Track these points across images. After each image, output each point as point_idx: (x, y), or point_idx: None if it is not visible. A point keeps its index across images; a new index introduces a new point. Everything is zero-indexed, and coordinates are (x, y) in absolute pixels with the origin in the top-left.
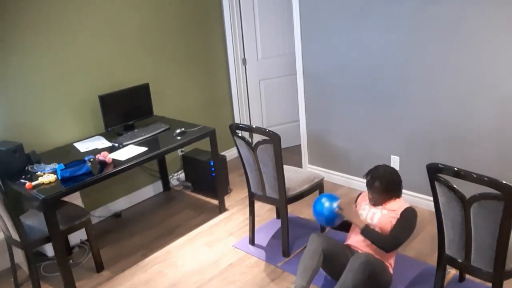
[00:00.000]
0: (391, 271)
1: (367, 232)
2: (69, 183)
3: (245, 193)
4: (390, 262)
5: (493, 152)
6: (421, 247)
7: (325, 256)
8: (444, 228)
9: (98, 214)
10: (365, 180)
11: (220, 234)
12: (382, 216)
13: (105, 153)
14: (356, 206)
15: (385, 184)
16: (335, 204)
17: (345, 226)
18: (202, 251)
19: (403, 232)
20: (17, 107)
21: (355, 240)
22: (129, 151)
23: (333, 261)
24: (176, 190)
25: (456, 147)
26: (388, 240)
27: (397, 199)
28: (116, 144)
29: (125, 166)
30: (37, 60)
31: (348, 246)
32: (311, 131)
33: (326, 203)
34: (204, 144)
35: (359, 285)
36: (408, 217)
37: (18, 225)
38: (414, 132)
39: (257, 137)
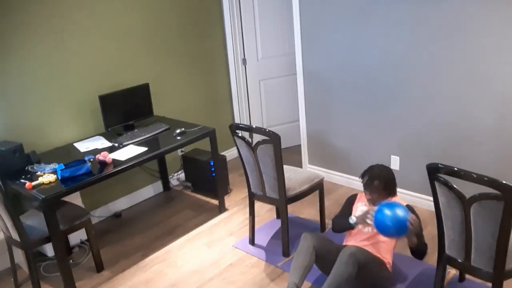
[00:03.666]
0: (389, 267)
1: (420, 245)
2: (69, 183)
3: (245, 193)
4: (388, 259)
5: (493, 152)
6: None
7: (318, 254)
8: (444, 228)
9: (98, 214)
10: None
11: (220, 234)
12: None
13: (105, 153)
14: (351, 208)
15: (384, 182)
16: (408, 216)
17: (345, 228)
18: (202, 251)
19: (422, 234)
20: (17, 107)
21: (354, 242)
22: (129, 151)
23: (326, 259)
24: (176, 190)
25: (456, 147)
26: (425, 250)
27: (394, 198)
28: (116, 144)
29: (125, 166)
30: (37, 60)
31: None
32: (311, 131)
33: (401, 212)
34: (204, 144)
35: (350, 278)
36: (417, 216)
37: (18, 225)
38: (414, 132)
39: (257, 137)
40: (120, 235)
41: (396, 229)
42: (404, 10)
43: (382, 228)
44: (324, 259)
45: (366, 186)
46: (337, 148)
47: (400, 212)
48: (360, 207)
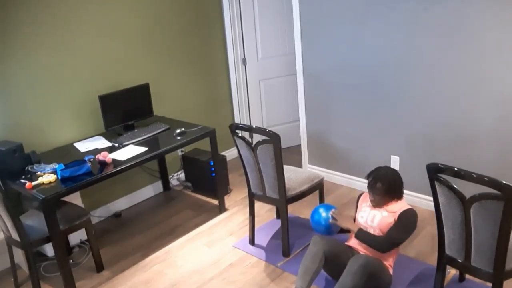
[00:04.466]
0: (390, 271)
1: (361, 235)
2: (69, 183)
3: (245, 193)
4: (390, 263)
5: (493, 152)
6: (421, 247)
7: (327, 258)
8: (444, 228)
9: (98, 214)
10: (365, 180)
11: (220, 234)
12: (382, 218)
13: (105, 153)
14: (357, 208)
15: (386, 185)
16: (329, 214)
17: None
18: (202, 251)
19: (399, 233)
20: (17, 107)
21: (356, 241)
22: (129, 151)
23: (335, 263)
24: (176, 190)
25: (456, 147)
26: (383, 241)
27: (399, 201)
28: (116, 144)
29: (125, 166)
30: (37, 60)
31: (349, 247)
32: (311, 131)
33: (323, 214)
34: (204, 144)
35: (358, 287)
36: (406, 218)
37: (18, 225)
38: (414, 132)
39: (257, 137)
40: (120, 235)
41: (322, 226)
42: (404, 10)
43: (317, 230)
44: (332, 264)
45: (369, 187)
46: (337, 148)
47: (318, 215)
48: (364, 208)
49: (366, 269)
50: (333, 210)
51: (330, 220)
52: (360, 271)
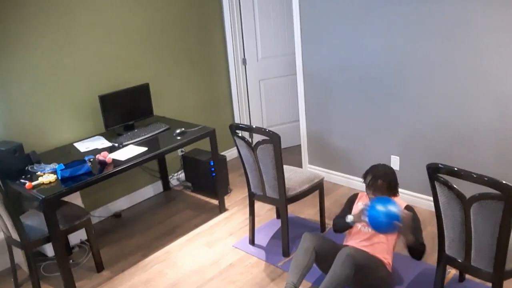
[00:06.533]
0: (388, 267)
1: (415, 245)
2: (69, 183)
3: (245, 193)
4: (388, 260)
5: (493, 152)
6: None
7: (318, 254)
8: (444, 228)
9: (98, 214)
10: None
11: (220, 234)
12: None
13: (105, 153)
14: (350, 208)
15: (388, 182)
16: (399, 213)
17: (344, 228)
18: (202, 251)
19: (421, 234)
20: (17, 107)
21: (353, 242)
22: (129, 151)
23: (326, 259)
24: (176, 190)
25: (456, 147)
26: (423, 250)
27: (395, 198)
28: (116, 144)
29: (125, 166)
30: (37, 60)
31: (344, 245)
32: (311, 131)
33: (381, 208)
34: (204, 144)
35: (347, 279)
36: (415, 216)
37: (18, 225)
38: (414, 132)
39: (257, 137)
40: (120, 235)
41: (388, 224)
42: (404, 9)
43: (375, 224)
44: (324, 259)
45: (369, 186)
46: (337, 148)
47: (392, 208)
48: (360, 207)
49: (353, 259)
50: (404, 210)
51: (398, 223)
52: (347, 261)
